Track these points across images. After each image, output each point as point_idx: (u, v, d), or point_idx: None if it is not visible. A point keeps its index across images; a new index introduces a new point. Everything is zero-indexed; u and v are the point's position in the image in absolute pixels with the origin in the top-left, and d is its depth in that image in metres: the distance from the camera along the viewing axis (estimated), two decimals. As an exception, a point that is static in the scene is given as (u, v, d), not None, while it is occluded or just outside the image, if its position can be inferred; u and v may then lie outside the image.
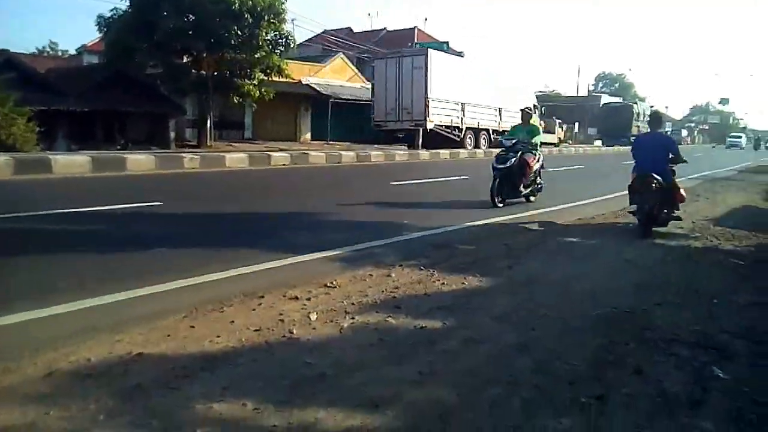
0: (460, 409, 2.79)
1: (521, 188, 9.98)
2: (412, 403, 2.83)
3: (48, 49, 52.11)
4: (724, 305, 4.69)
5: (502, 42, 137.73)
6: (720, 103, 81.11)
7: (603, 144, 42.75)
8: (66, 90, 19.47)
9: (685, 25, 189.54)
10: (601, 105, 50.64)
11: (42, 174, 11.53)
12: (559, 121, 37.79)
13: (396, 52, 26.39)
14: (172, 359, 3.13)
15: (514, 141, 10.00)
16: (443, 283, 4.86)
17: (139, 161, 13.45)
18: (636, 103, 51.46)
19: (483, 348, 3.56)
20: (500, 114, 28.07)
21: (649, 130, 8.92)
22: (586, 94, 56.98)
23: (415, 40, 33.99)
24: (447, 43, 32.66)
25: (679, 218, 8.05)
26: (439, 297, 4.51)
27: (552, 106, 42.16)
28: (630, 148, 9.45)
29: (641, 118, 45.46)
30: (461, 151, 24.84)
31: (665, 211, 7.74)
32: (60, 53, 48.30)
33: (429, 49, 25.15)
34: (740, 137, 61.61)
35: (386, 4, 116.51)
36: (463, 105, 25.62)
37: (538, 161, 10.31)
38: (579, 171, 19.11)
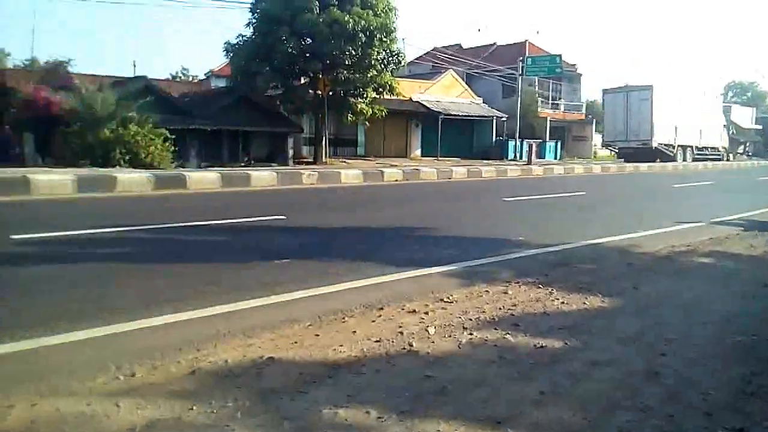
0: (586, 433, 2.71)
1: None
2: (535, 423, 2.78)
3: (180, 75, 56.71)
4: None
5: (616, 53, 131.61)
6: None
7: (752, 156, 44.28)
8: (196, 112, 21.12)
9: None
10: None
11: (177, 189, 12.56)
12: None
13: (624, 87, 33.30)
14: (299, 365, 3.30)
15: None
16: (563, 302, 4.73)
17: (262, 177, 14.27)
18: None
19: (608, 371, 3.42)
20: (701, 133, 34.02)
21: None
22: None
23: (527, 54, 33.37)
24: (560, 56, 31.77)
25: None
26: (559, 316, 4.39)
27: None
28: None
29: None
30: (574, 165, 24.74)
31: None
32: (191, 78, 52.38)
33: (653, 85, 31.23)
34: None
35: (496, 17, 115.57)
36: (676, 127, 31.48)
37: None
38: (707, 187, 17.83)
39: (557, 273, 5.76)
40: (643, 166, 27.80)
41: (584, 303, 4.75)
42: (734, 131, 42.14)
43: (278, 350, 3.50)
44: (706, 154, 35.42)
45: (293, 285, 4.86)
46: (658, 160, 29.82)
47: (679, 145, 32.49)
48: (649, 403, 3.02)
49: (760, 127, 47.87)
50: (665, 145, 31.61)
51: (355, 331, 3.85)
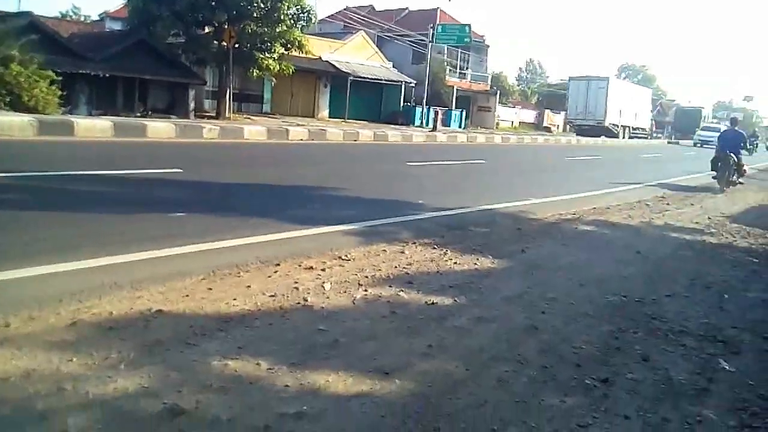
0: (468, 383, 2.86)
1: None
2: (421, 373, 2.91)
3: (71, 14, 52.17)
4: (734, 300, 4.71)
5: (525, 28, 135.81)
6: (744, 100, 79.87)
7: (672, 138, 52.05)
8: (88, 55, 19.54)
9: (708, 23, 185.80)
10: (675, 109, 63.10)
11: (64, 136, 11.66)
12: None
13: (586, 77, 39.86)
14: (189, 318, 3.22)
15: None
16: (456, 263, 4.92)
17: (159, 129, 13.57)
18: (703, 108, 60.20)
19: (492, 327, 3.62)
20: (636, 116, 43.00)
21: (729, 127, 14.45)
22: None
23: (438, 21, 33.58)
24: (469, 25, 32.19)
25: (742, 183, 13.76)
26: (451, 275, 4.57)
27: None
28: (692, 142, 36.74)
29: (706, 120, 54.91)
30: (477, 135, 25.63)
31: (736, 176, 13.40)
32: (82, 18, 48.33)
33: (609, 77, 40.79)
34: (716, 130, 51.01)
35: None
36: (620, 111, 39.45)
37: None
38: (596, 161, 19.00)
39: (453, 235, 5.97)
40: (540, 139, 29.59)
41: (475, 264, 4.97)
42: None
43: (168, 303, 3.39)
44: (638, 134, 44.19)
45: (186, 239, 4.70)
46: (603, 137, 35.63)
47: (621, 125, 40.42)
48: (526, 356, 3.24)
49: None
50: (613, 124, 38.93)
51: (249, 286, 3.81)
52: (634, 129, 43.38)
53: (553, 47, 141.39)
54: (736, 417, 2.83)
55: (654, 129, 52.85)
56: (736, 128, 14.16)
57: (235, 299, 3.55)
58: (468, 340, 3.37)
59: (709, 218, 8.68)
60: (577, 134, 37.55)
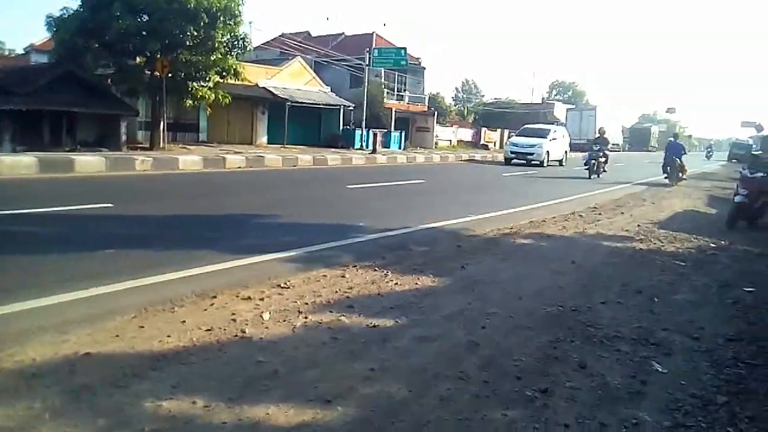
0: (410, 403, 2.85)
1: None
2: (364, 397, 2.88)
3: (-6, 48, 50.01)
4: (664, 304, 4.91)
5: (461, 47, 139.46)
6: (667, 112, 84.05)
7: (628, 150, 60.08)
8: (12, 89, 18.74)
9: (633, 37, 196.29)
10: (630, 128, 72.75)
11: (-15, 175, 11.09)
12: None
13: (579, 107, 56.40)
14: (120, 359, 3.09)
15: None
16: (396, 284, 4.93)
17: (89, 163, 13.10)
18: (652, 126, 72.84)
19: (434, 346, 3.64)
20: (612, 135, 49.87)
21: (672, 140, 20.50)
22: (541, 102, 58.36)
23: (374, 45, 34.04)
24: (405, 49, 32.73)
25: (685, 179, 18.88)
26: (392, 297, 4.57)
27: (508, 113, 47.93)
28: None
29: (656, 135, 66.87)
30: (417, 155, 26.18)
31: (680, 174, 18.56)
32: (7, 52, 46.42)
33: (597, 106, 55.03)
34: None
35: (345, 7, 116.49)
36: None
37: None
38: (532, 176, 19.55)
39: (393, 256, 5.99)
40: (477, 156, 30.40)
41: (416, 283, 5.00)
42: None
43: (96, 345, 3.25)
44: (615, 149, 52.22)
45: (117, 277, 4.52)
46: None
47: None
48: (468, 372, 3.26)
49: None
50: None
51: (184, 321, 3.69)
52: (613, 144, 52.42)
53: (487, 67, 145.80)
54: (671, 417, 2.92)
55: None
56: (678, 140, 20.71)
57: (168, 336, 3.43)
58: (410, 361, 3.37)
59: (639, 225, 9.05)
60: (572, 150, 44.45)
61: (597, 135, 21.88)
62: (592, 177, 19.65)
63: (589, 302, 4.73)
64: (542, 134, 26.02)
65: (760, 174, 10.32)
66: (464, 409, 2.83)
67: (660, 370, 3.51)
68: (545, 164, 24.29)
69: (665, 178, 18.83)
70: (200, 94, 20.70)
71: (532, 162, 24.11)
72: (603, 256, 6.71)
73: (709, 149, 53.89)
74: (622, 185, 17.63)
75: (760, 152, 21.00)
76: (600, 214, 10.37)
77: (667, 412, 2.98)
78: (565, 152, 27.56)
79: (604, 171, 20.62)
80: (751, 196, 9.76)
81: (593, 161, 20.18)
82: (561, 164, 26.25)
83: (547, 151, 24.79)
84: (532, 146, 24.54)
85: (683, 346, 3.95)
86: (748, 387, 3.33)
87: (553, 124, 37.31)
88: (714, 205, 13.37)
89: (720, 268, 6.50)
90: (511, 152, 25.22)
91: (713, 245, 7.84)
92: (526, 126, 28.96)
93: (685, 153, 19.46)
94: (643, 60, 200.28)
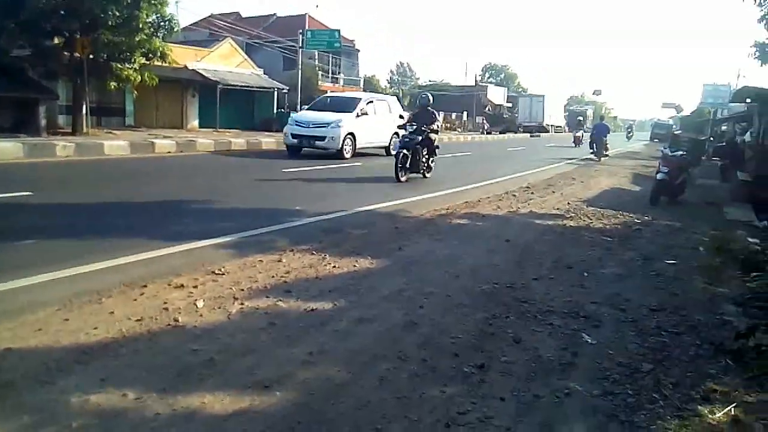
0: (350, 385, 2.85)
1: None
2: (302, 382, 2.85)
3: None
4: (593, 278, 5.10)
5: (395, 31, 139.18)
6: (594, 94, 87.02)
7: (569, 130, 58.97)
8: None
9: (562, 19, 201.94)
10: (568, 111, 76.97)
11: None
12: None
13: (530, 95, 61.31)
14: (44, 353, 2.93)
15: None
16: (334, 267, 4.90)
17: (4, 149, 12.30)
18: (588, 109, 75.53)
19: (372, 327, 3.64)
20: (557, 119, 62.65)
21: (599, 122, 23.05)
22: (474, 84, 59.15)
23: (306, 27, 33.48)
24: (338, 31, 32.40)
25: (608, 155, 21.51)
26: (330, 280, 4.54)
27: (442, 96, 48.39)
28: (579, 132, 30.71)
29: (590, 117, 68.89)
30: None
31: (605, 151, 20.99)
32: None
33: (544, 95, 58.25)
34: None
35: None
36: (549, 115, 57.91)
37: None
38: (467, 157, 19.85)
39: (331, 239, 5.95)
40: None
41: (354, 266, 4.98)
42: (489, 109, 51.53)
43: (18, 340, 3.07)
44: (559, 130, 59.77)
45: (39, 268, 4.26)
46: (539, 134, 50.13)
47: (550, 125, 57.96)
48: (406, 351, 3.28)
49: (510, 104, 62.21)
50: (547, 124, 56.94)
51: (112, 312, 3.54)
52: (557, 127, 61.13)
53: (421, 50, 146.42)
54: (600, 386, 3.04)
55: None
56: (604, 122, 23.38)
57: (96, 328, 3.28)
58: (349, 343, 3.36)
59: (569, 203, 9.36)
60: (524, 132, 52.23)
61: (416, 110, 12.59)
62: (599, 160, 20.86)
63: (522, 279, 4.86)
64: (346, 107, 16.93)
65: (679, 152, 10.94)
66: (403, 388, 2.85)
67: (589, 341, 3.65)
68: (346, 153, 15.95)
69: (591, 153, 21.46)
70: (125, 75, 19.80)
71: (323, 148, 15.88)
72: (535, 233, 6.90)
73: (629, 129, 52.46)
74: (555, 164, 18.62)
75: (680, 132, 22.29)
76: (533, 193, 10.66)
77: (596, 381, 3.10)
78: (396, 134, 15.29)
79: (607, 155, 21.84)
80: (671, 174, 10.31)
81: (596, 146, 21.37)
82: (389, 153, 16.71)
83: (350, 134, 16.06)
84: (324, 125, 15.81)
85: (611, 317, 4.12)
86: (671, 354, 3.51)
87: (379, 93, 28.75)
88: (638, 182, 13.99)
89: (644, 242, 6.82)
90: (293, 135, 16.17)
91: (638, 221, 8.21)
92: (326, 96, 22.13)
93: (609, 133, 22.01)
94: (571, 43, 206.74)
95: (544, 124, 56.35)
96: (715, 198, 11.71)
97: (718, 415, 2.77)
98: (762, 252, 6.43)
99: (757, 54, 18.82)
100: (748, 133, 17.82)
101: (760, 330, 3.78)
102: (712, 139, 26.47)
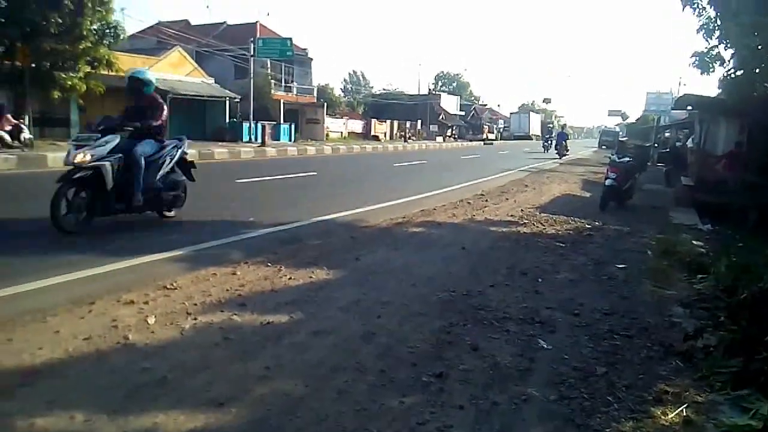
0: (308, 399, 2.80)
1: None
2: (259, 398, 2.79)
3: None
4: (547, 283, 5.19)
5: (346, 39, 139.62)
6: (543, 102, 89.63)
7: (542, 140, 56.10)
8: None
9: (515, 31, 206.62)
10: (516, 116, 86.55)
11: None
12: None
13: (522, 111, 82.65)
14: (-17, 378, 2.79)
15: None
16: (290, 278, 4.84)
17: (-61, 162, 11.75)
18: (552, 124, 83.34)
19: (329, 339, 3.60)
20: (537, 129, 74.59)
21: (561, 130, 34.98)
22: (427, 93, 59.81)
23: (257, 35, 33.21)
24: (290, 39, 32.25)
25: (568, 154, 31.54)
26: (286, 292, 4.48)
27: (397, 104, 49.27)
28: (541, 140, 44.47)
29: (555, 129, 77.64)
30: (308, 147, 25.95)
31: (565, 152, 31.02)
32: None
33: (530, 112, 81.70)
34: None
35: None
36: (533, 127, 74.14)
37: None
38: (422, 165, 20.01)
39: (287, 250, 5.87)
40: (369, 148, 30.62)
41: (310, 277, 4.93)
42: (443, 117, 52.43)
43: (-47, 365, 2.91)
44: (537, 137, 66.74)
45: (-24, 287, 4.06)
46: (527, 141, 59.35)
47: (532, 134, 70.20)
48: (364, 362, 3.26)
49: (463, 113, 60.43)
50: (532, 134, 69.61)
51: (58, 331, 3.39)
52: (537, 136, 70.45)
53: (375, 59, 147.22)
54: (556, 390, 3.09)
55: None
56: (564, 131, 33.93)
57: (40, 348, 3.14)
58: (306, 356, 3.32)
59: (522, 210, 9.53)
60: (515, 139, 66.21)
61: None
62: (560, 161, 27.79)
63: (479, 286, 4.91)
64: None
65: (626, 158, 11.29)
66: (362, 399, 2.83)
67: (545, 346, 3.70)
68: None
69: (557, 153, 30.40)
70: (69, 84, 19.20)
71: None
72: (490, 241, 6.99)
73: (547, 138, 39.71)
74: (508, 171, 18.99)
75: (626, 138, 22.92)
76: (487, 200, 10.81)
77: (552, 386, 3.14)
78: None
79: (567, 154, 31.58)
80: (619, 179, 10.64)
81: (559, 148, 30.85)
82: None
83: None
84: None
85: (565, 322, 4.19)
86: (624, 357, 3.60)
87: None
88: (588, 188, 14.37)
89: (595, 247, 6.99)
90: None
91: (588, 226, 8.42)
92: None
93: (568, 138, 33.09)
94: (522, 52, 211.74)
95: (530, 134, 71.62)
96: (661, 202, 12.15)
97: (670, 416, 2.84)
98: (706, 254, 6.69)
99: (697, 63, 19.60)
100: (690, 139, 18.56)
101: (707, 331, 3.92)
102: (656, 145, 27.39)
